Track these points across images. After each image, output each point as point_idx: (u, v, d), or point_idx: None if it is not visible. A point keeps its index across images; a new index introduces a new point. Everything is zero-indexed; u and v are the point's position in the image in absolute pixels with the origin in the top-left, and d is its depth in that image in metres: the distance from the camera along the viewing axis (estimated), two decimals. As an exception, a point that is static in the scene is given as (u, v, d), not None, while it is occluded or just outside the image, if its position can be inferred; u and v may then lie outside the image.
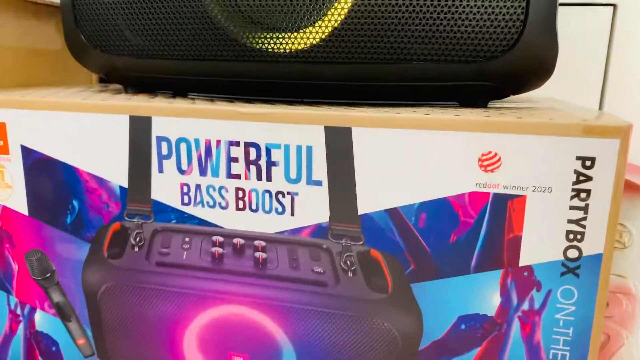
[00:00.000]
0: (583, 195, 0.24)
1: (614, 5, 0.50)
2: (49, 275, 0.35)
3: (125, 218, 0.32)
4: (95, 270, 0.34)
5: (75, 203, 0.33)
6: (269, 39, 0.31)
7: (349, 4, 0.29)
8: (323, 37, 0.30)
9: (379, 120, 0.26)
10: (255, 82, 0.34)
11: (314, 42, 0.30)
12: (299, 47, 0.31)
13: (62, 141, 0.32)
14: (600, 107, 0.55)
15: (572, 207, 0.24)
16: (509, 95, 0.32)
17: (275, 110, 0.28)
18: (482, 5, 0.28)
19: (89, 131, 0.31)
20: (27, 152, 0.33)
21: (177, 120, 0.29)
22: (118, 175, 0.31)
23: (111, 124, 0.30)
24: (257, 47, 0.31)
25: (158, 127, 0.30)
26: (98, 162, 0.31)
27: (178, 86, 0.37)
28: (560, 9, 0.55)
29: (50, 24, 0.44)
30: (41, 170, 0.33)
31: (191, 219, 0.31)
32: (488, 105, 0.32)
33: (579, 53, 0.52)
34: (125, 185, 0.31)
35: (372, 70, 0.30)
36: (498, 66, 0.29)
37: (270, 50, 0.31)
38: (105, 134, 0.31)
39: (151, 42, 0.34)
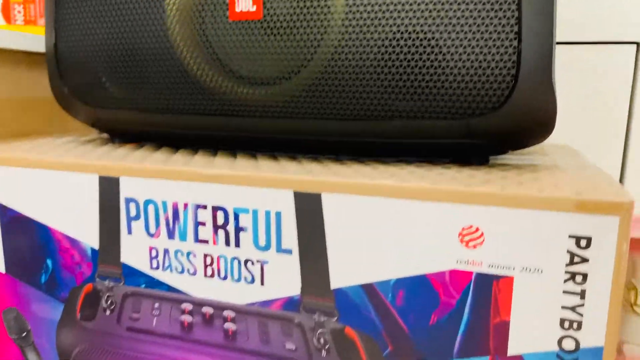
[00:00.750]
0: (579, 278, 0.21)
1: (638, 44, 0.46)
2: (24, 334, 0.34)
3: (97, 279, 0.31)
4: (69, 332, 0.32)
5: (49, 262, 0.32)
6: (246, 93, 0.30)
7: (328, 58, 0.27)
8: (301, 91, 0.28)
9: (350, 186, 0.24)
10: (236, 136, 0.32)
11: (292, 97, 0.28)
12: (277, 102, 0.29)
13: (35, 199, 0.31)
14: (625, 147, 0.51)
15: (566, 292, 0.21)
16: (506, 152, 0.29)
17: (242, 172, 0.26)
18: (468, 60, 0.25)
19: (60, 190, 0.30)
20: (3, 210, 0.32)
21: (145, 181, 0.28)
22: (89, 236, 0.30)
23: (82, 183, 0.29)
24: (234, 100, 0.30)
25: (126, 188, 0.28)
26: (70, 221, 0.30)
27: (161, 139, 0.36)
28: (580, 48, 0.51)
29: (45, 73, 0.44)
30: (17, 228, 0.32)
31: (160, 284, 0.29)
32: (487, 161, 0.29)
33: (601, 93, 0.48)
34: (96, 246, 0.30)
35: (353, 126, 0.28)
36: (489, 123, 0.26)
37: (249, 105, 0.30)
38: (76, 193, 0.30)
39: (131, 96, 0.33)
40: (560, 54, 0.52)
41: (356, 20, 0.26)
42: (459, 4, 0.25)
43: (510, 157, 0.32)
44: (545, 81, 0.25)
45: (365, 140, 0.29)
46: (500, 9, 0.24)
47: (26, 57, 0.42)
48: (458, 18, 0.25)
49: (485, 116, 0.26)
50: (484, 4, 0.25)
